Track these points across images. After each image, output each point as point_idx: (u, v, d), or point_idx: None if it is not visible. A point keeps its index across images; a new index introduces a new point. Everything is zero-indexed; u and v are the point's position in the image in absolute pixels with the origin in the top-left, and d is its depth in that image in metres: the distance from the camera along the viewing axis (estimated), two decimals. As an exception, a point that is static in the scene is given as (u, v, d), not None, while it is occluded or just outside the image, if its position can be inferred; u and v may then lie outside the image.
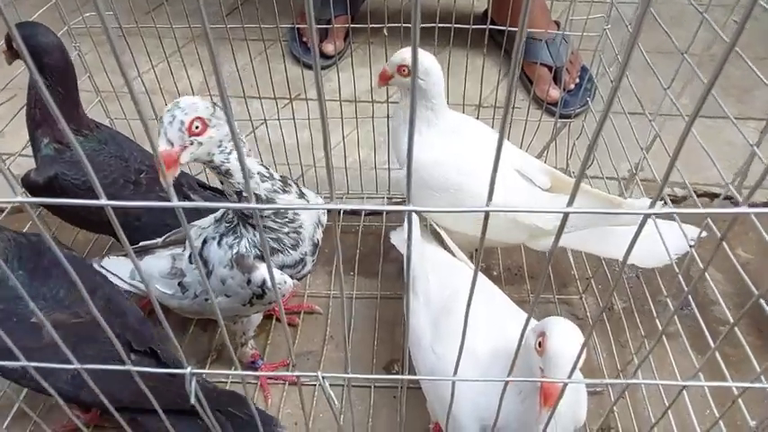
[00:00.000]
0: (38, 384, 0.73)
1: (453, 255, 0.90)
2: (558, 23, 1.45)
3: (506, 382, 0.47)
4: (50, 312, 0.76)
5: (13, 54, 0.90)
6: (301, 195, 0.79)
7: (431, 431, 0.88)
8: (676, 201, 1.24)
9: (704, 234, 0.75)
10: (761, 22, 1.61)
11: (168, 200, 0.32)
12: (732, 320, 0.97)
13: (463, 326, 0.43)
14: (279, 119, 1.16)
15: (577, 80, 1.43)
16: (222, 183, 0.73)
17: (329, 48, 1.48)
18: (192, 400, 0.46)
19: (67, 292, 0.77)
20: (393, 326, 1.04)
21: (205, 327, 1.04)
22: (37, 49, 0.85)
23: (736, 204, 1.28)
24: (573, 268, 1.11)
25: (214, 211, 0.83)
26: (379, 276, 1.11)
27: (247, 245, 0.76)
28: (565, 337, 0.58)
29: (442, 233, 0.93)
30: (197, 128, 0.65)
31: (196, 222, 0.84)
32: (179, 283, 0.83)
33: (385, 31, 0.96)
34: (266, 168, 0.75)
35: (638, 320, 0.95)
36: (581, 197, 0.85)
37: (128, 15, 1.09)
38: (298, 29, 1.53)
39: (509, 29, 1.09)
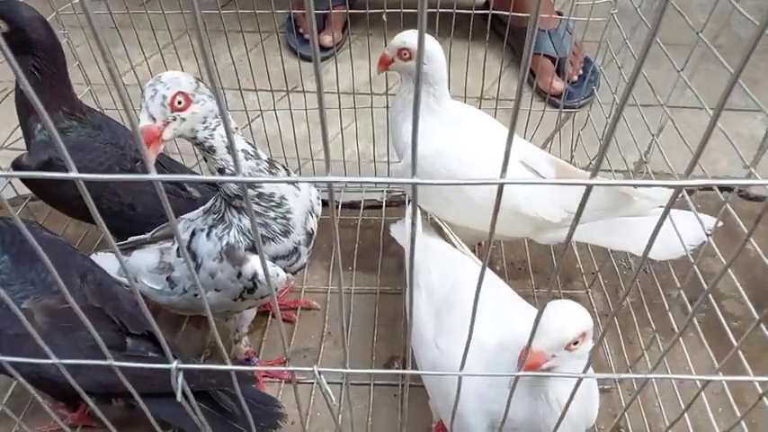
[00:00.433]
0: (30, 373, 0.70)
1: (456, 248, 0.87)
2: (560, 13, 1.42)
3: (516, 378, 0.44)
4: (39, 298, 0.73)
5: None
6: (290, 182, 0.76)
7: (433, 431, 0.85)
8: (689, 192, 1.21)
9: (720, 224, 0.72)
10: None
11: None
12: (743, 316, 0.94)
13: (471, 319, 0.40)
14: (275, 110, 1.13)
15: (581, 71, 1.40)
16: (206, 160, 0.71)
17: (327, 39, 1.45)
18: (179, 397, 0.43)
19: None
20: (393, 322, 1.01)
21: (198, 324, 1.01)
22: (20, 24, 0.81)
23: (749, 199, 1.25)
24: (578, 262, 1.08)
25: (195, 205, 0.80)
26: (379, 271, 1.08)
27: (236, 234, 0.73)
28: (561, 309, 0.58)
29: (444, 227, 0.90)
30: (180, 103, 0.63)
31: (184, 215, 0.81)
32: (167, 278, 0.79)
33: (384, 17, 0.93)
34: (252, 147, 0.72)
35: (648, 315, 0.92)
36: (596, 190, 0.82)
37: (120, 6, 1.07)
38: (295, 20, 1.50)
39: (513, 14, 1.05)
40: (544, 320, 0.58)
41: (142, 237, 0.84)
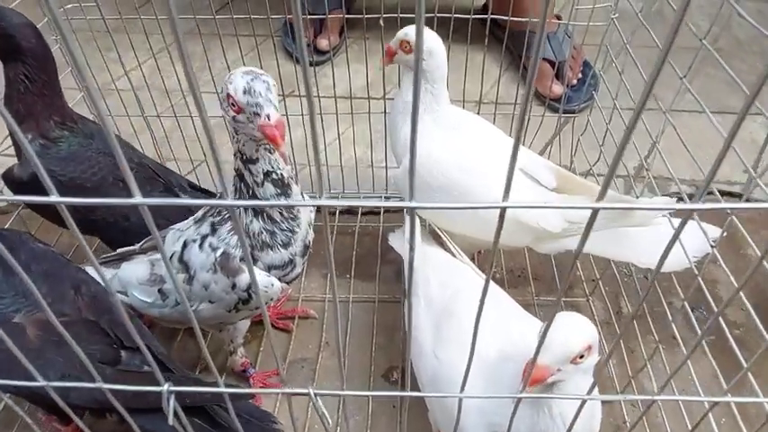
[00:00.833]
0: (22, 388, 0.68)
1: (455, 256, 0.85)
2: (559, 17, 1.41)
3: (518, 399, 0.42)
4: (33, 311, 0.71)
5: None
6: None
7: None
8: (681, 200, 1.20)
9: (724, 233, 0.71)
10: (767, 16, 1.57)
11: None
12: (745, 323, 0.92)
13: (473, 334, 0.38)
14: (271, 116, 1.11)
15: (580, 75, 1.39)
16: (255, 161, 0.68)
17: (323, 43, 1.44)
18: (171, 420, 0.42)
19: (50, 290, 0.73)
20: (392, 331, 1.00)
21: (194, 333, 0.99)
22: (10, 31, 0.79)
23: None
24: (579, 270, 1.07)
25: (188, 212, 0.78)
26: (377, 279, 1.07)
27: (236, 241, 0.72)
28: (566, 322, 0.57)
29: (443, 235, 0.88)
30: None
31: (174, 226, 0.79)
32: (159, 290, 0.78)
33: (381, 22, 0.92)
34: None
35: (650, 324, 0.90)
36: (592, 198, 0.81)
37: (113, 11, 1.05)
38: (290, 24, 1.49)
39: (512, 18, 1.04)
40: (549, 334, 0.57)
41: (131, 248, 0.83)
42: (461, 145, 0.88)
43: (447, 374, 0.70)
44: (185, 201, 0.27)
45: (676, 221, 0.78)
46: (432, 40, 0.83)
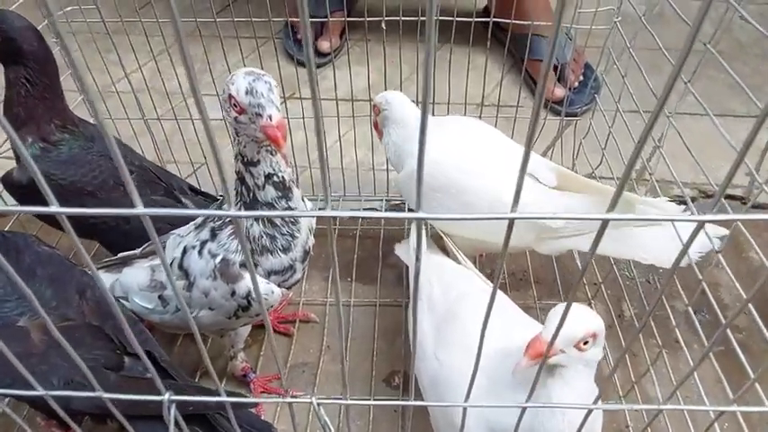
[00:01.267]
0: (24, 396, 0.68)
1: (457, 261, 0.85)
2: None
3: (523, 409, 0.42)
4: (36, 316, 0.71)
5: None
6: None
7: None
8: (692, 199, 1.20)
9: (727, 232, 0.71)
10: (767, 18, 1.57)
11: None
12: (747, 327, 0.92)
13: (479, 343, 0.38)
14: (272, 118, 1.11)
15: (581, 78, 1.38)
16: (257, 164, 0.68)
17: (325, 45, 1.43)
18: (171, 430, 0.41)
19: (54, 293, 0.72)
20: (393, 335, 0.99)
21: (194, 338, 0.99)
22: (11, 34, 0.79)
23: (753, 207, 1.23)
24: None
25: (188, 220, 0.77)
26: (378, 282, 1.06)
27: (236, 246, 0.71)
28: (575, 307, 0.56)
29: (446, 239, 0.88)
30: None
31: (174, 231, 0.79)
32: (159, 297, 0.77)
33: (383, 25, 0.92)
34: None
35: (653, 329, 0.90)
36: (598, 198, 0.81)
37: (113, 13, 1.05)
38: (291, 26, 1.48)
39: (513, 21, 1.04)
40: (555, 313, 0.58)
41: (132, 252, 0.82)
42: (460, 146, 0.88)
43: (447, 376, 0.70)
44: (187, 211, 0.27)
45: (678, 223, 0.78)
46: (389, 94, 0.94)
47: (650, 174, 0.90)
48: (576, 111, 1.29)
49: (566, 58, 1.30)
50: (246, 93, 0.60)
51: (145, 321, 0.81)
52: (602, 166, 1.07)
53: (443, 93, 1.11)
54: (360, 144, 1.16)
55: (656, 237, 0.80)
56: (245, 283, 0.71)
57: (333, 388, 0.92)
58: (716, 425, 0.66)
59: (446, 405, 0.65)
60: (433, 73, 0.23)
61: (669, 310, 0.84)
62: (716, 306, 0.67)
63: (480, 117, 1.12)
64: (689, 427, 0.76)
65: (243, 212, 0.26)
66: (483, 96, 1.15)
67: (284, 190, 0.70)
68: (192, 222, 0.77)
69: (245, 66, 1.08)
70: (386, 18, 0.93)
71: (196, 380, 0.92)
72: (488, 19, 1.05)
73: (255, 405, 0.81)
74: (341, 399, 0.40)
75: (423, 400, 0.74)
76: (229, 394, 0.79)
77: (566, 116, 1.16)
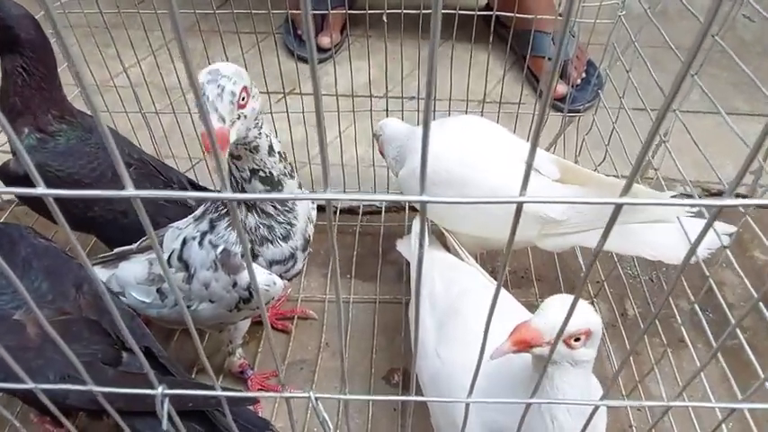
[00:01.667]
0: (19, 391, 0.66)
1: (460, 257, 0.84)
2: (561, 16, 1.39)
3: (528, 404, 0.40)
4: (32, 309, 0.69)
5: None
6: (299, 186, 0.73)
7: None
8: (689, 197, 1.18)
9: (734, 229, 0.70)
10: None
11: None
12: (752, 326, 0.91)
13: (482, 341, 0.37)
14: (272, 113, 1.10)
15: (584, 75, 1.37)
16: (239, 158, 0.65)
17: (325, 40, 1.42)
18: (165, 426, 0.40)
19: (51, 287, 0.71)
20: (393, 332, 0.98)
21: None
22: (8, 22, 0.77)
23: (758, 206, 1.23)
24: (583, 270, 1.05)
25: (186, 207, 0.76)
26: (378, 279, 1.05)
27: (235, 237, 0.70)
28: (571, 300, 0.53)
29: (449, 236, 0.87)
30: (243, 99, 0.56)
31: (173, 224, 0.77)
32: (157, 290, 0.76)
33: (384, 18, 0.90)
34: (282, 149, 0.70)
35: (658, 327, 0.89)
36: (602, 191, 0.79)
37: (112, 6, 1.04)
38: (292, 21, 1.47)
39: (516, 15, 1.03)
40: (549, 302, 0.54)
41: (128, 247, 0.81)
42: (461, 140, 0.87)
43: (448, 374, 0.69)
44: (180, 193, 0.26)
45: (686, 220, 0.77)
46: (384, 121, 0.99)
47: (655, 170, 0.88)
48: (579, 108, 1.28)
49: (568, 54, 1.29)
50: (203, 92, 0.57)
51: (142, 316, 0.79)
52: (606, 162, 1.06)
53: (445, 89, 1.10)
54: (360, 140, 1.14)
55: (662, 233, 0.79)
56: (247, 273, 0.70)
57: (331, 385, 0.91)
58: (723, 426, 0.65)
59: (448, 401, 0.64)
60: (436, 63, 0.22)
61: (675, 309, 0.83)
62: (724, 305, 0.66)
63: (482, 114, 1.11)
64: (694, 425, 0.75)
65: (237, 195, 0.24)
66: (485, 93, 1.14)
67: (272, 184, 0.68)
68: (192, 215, 0.75)
69: (244, 61, 1.08)
70: (387, 11, 0.91)
71: (193, 376, 0.91)
72: (491, 13, 1.04)
73: (252, 401, 0.80)
74: (339, 394, 0.39)
75: (426, 400, 0.73)
76: (226, 390, 0.78)
77: (568, 113, 1.15)
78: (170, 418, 0.41)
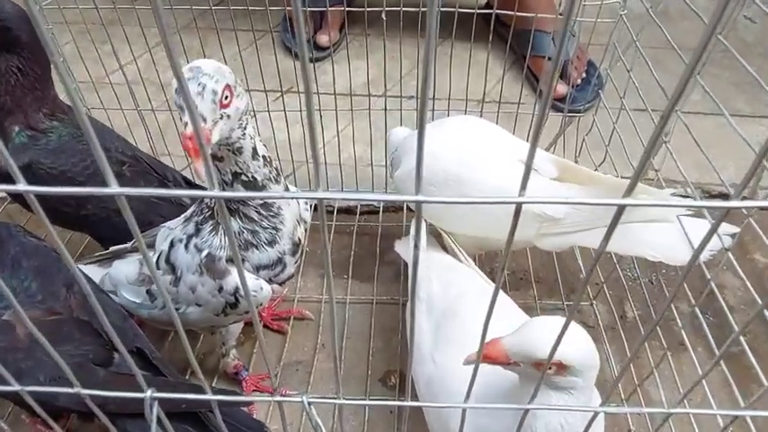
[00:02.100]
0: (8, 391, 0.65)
1: (458, 259, 0.83)
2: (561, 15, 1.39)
3: (526, 410, 0.40)
4: (24, 309, 0.68)
5: None
6: (286, 189, 0.72)
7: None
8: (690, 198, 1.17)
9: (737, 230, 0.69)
10: (773, 17, 1.55)
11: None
12: (752, 330, 0.90)
13: (480, 344, 0.36)
14: (269, 111, 1.09)
15: (584, 75, 1.36)
16: (221, 160, 0.63)
17: (324, 39, 1.41)
18: (153, 429, 0.39)
19: (41, 286, 0.70)
20: (389, 333, 0.97)
21: (186, 334, 0.97)
22: (6, 23, 0.76)
23: (760, 208, 1.22)
24: (582, 272, 1.04)
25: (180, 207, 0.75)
26: (375, 280, 1.04)
27: (222, 239, 0.68)
28: (553, 326, 0.51)
29: (446, 237, 0.86)
30: (226, 98, 0.54)
31: (165, 223, 0.76)
32: (147, 291, 0.75)
33: (383, 15, 0.89)
34: (267, 152, 0.67)
35: (658, 330, 0.88)
36: (602, 189, 0.79)
37: (108, 3, 1.02)
38: (290, 19, 1.46)
39: (517, 14, 1.02)
40: (530, 323, 0.52)
41: (122, 246, 0.80)
42: (459, 140, 0.86)
43: (442, 377, 0.68)
44: (167, 191, 0.25)
45: (688, 220, 0.76)
46: (391, 131, 0.99)
47: (656, 170, 0.87)
48: (579, 108, 1.27)
49: (568, 54, 1.28)
50: (176, 90, 0.54)
51: (135, 317, 0.78)
52: (606, 163, 1.05)
53: (444, 89, 1.09)
54: (358, 140, 1.13)
55: (663, 233, 0.78)
56: (233, 278, 0.69)
57: (327, 387, 0.90)
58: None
59: (444, 406, 0.63)
60: (434, 64, 0.21)
61: (675, 312, 0.82)
62: (725, 308, 0.65)
63: (481, 114, 1.10)
64: (694, 430, 0.74)
65: (225, 193, 0.23)
66: (484, 92, 1.13)
67: (256, 189, 0.65)
68: (183, 215, 0.74)
69: (242, 59, 1.07)
70: (386, 9, 0.90)
71: (186, 377, 0.90)
72: (491, 11, 1.03)
73: (245, 403, 0.79)
74: (334, 398, 0.38)
75: (419, 401, 0.72)
76: (219, 392, 0.77)
77: (568, 113, 1.14)
78: (160, 421, 0.40)
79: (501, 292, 0.76)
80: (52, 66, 0.85)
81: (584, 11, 1.01)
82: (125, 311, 0.76)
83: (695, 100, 0.77)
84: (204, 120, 0.53)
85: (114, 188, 0.24)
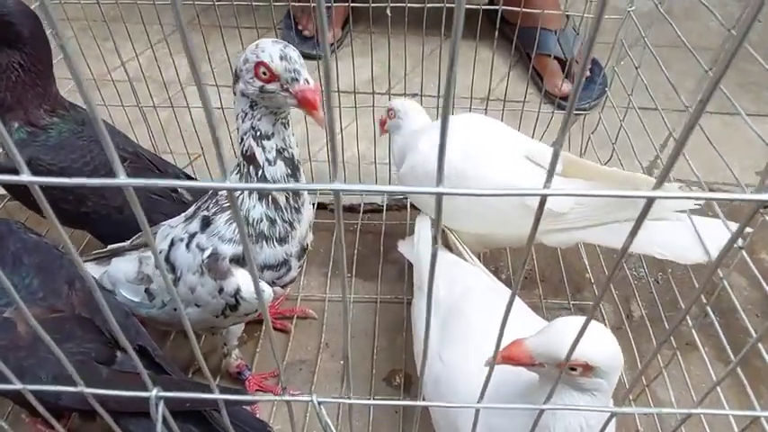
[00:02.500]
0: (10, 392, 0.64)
1: (463, 257, 0.82)
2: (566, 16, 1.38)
3: (540, 411, 0.39)
4: (26, 306, 0.67)
5: None
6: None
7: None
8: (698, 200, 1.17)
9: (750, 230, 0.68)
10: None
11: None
12: (755, 334, 0.89)
13: (495, 349, 0.35)
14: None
15: (588, 73, 1.35)
16: (269, 138, 0.65)
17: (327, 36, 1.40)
18: (159, 429, 0.38)
19: (42, 283, 0.69)
20: (394, 332, 0.96)
21: (187, 333, 0.96)
22: (10, 18, 0.75)
23: (764, 207, 1.21)
24: (588, 271, 1.03)
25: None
26: (379, 279, 1.03)
27: (232, 234, 0.68)
28: (578, 325, 0.50)
29: (451, 234, 0.85)
30: None
31: (165, 222, 0.75)
32: (146, 290, 0.74)
33: (388, 11, 0.88)
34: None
35: (666, 328, 0.87)
36: (609, 185, 0.78)
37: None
38: (293, 16, 1.45)
39: (523, 10, 1.01)
40: (555, 324, 0.52)
41: (122, 244, 0.79)
42: (464, 136, 0.85)
43: (449, 376, 0.67)
44: (177, 182, 0.24)
45: (697, 219, 0.75)
46: (408, 104, 0.95)
47: (667, 166, 0.87)
48: (585, 106, 1.27)
49: (573, 52, 1.28)
50: (281, 58, 0.59)
51: (137, 316, 0.77)
52: (612, 161, 1.04)
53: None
54: (362, 137, 1.12)
55: (671, 231, 0.77)
56: (234, 279, 0.68)
57: (331, 386, 0.89)
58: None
59: (458, 406, 0.62)
60: (456, 61, 0.20)
61: (688, 317, 0.81)
62: (739, 308, 0.64)
63: (486, 112, 1.09)
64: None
65: (238, 184, 0.23)
66: (489, 90, 1.12)
67: (294, 168, 0.67)
68: (184, 213, 0.73)
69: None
70: (391, 4, 0.89)
71: (189, 375, 0.89)
72: (497, 7, 1.02)
73: (250, 403, 0.78)
74: (342, 398, 0.37)
75: (425, 399, 0.71)
76: (225, 391, 0.76)
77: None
78: (165, 420, 0.39)
79: (508, 291, 0.75)
80: (54, 58, 0.84)
81: (591, 7, 1.00)
82: (127, 310, 0.75)
83: (697, 99, 0.76)
84: (307, 80, 0.60)
85: (123, 179, 0.23)
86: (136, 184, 0.24)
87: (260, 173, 0.66)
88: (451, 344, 0.69)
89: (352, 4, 1.04)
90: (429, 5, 0.95)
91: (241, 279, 0.68)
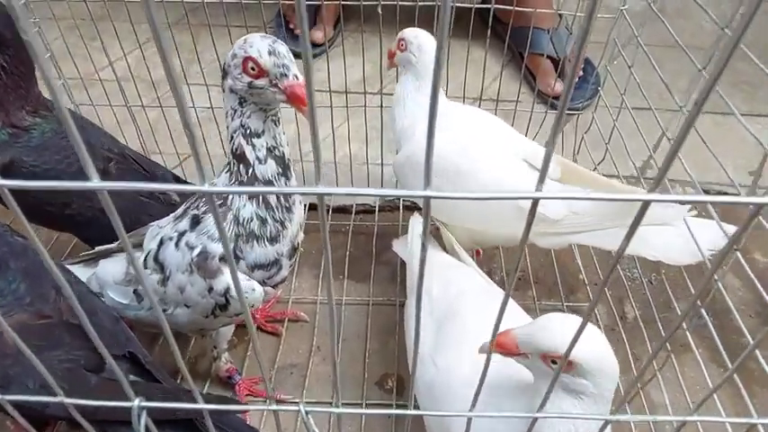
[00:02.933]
0: None
1: (457, 258, 0.81)
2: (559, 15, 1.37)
3: (534, 419, 0.38)
4: (11, 312, 0.65)
5: None
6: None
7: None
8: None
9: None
10: (770, 15, 1.54)
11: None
12: (749, 335, 0.89)
13: (485, 361, 0.34)
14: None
15: (581, 73, 1.35)
16: (259, 135, 0.64)
17: (318, 35, 1.39)
18: (141, 440, 0.37)
19: (29, 288, 0.67)
20: (386, 335, 0.95)
21: (176, 336, 0.94)
22: None
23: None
24: (582, 273, 1.03)
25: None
26: (371, 280, 1.02)
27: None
28: (569, 321, 0.51)
29: (444, 231, 0.84)
30: None
31: (155, 222, 0.74)
32: (134, 291, 0.72)
33: (379, 9, 0.87)
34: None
35: (660, 331, 0.86)
36: (608, 192, 0.77)
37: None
38: (284, 15, 1.44)
39: (516, 9, 1.00)
40: (545, 317, 0.53)
41: (109, 246, 0.77)
42: (460, 131, 0.84)
43: (443, 381, 0.66)
44: (151, 185, 0.22)
45: (691, 221, 0.74)
46: (423, 35, 0.85)
47: (658, 168, 0.86)
48: (577, 106, 1.26)
49: (565, 51, 1.27)
50: (270, 54, 0.58)
51: (125, 319, 0.76)
52: (605, 162, 1.03)
53: (441, 86, 1.07)
54: (354, 137, 1.11)
55: (664, 233, 0.76)
56: (224, 278, 0.67)
57: (323, 390, 0.88)
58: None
59: (450, 414, 0.61)
60: (447, 51, 0.19)
61: (679, 312, 0.80)
62: (733, 309, 0.63)
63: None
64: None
65: (216, 188, 0.21)
66: (482, 90, 1.11)
67: (284, 166, 0.66)
68: (173, 213, 0.72)
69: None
70: (382, 2, 0.88)
71: (178, 381, 0.87)
72: (489, 6, 1.01)
73: (237, 411, 0.76)
74: (331, 407, 0.36)
75: (418, 405, 0.70)
76: (212, 399, 0.75)
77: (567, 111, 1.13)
78: (148, 430, 0.38)
79: (501, 293, 0.74)
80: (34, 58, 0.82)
81: (583, 7, 1.00)
82: (116, 315, 0.74)
83: (694, 98, 0.76)
84: (296, 76, 0.59)
85: (95, 182, 0.22)
86: (110, 187, 0.23)
87: (250, 171, 0.65)
88: (445, 348, 0.68)
89: (342, 2, 1.02)
90: (420, 3, 0.94)
91: (231, 278, 0.66)
